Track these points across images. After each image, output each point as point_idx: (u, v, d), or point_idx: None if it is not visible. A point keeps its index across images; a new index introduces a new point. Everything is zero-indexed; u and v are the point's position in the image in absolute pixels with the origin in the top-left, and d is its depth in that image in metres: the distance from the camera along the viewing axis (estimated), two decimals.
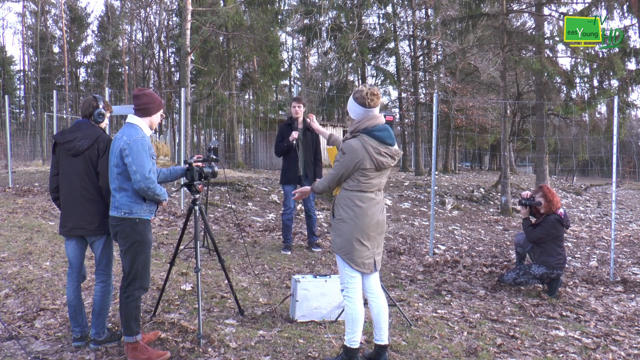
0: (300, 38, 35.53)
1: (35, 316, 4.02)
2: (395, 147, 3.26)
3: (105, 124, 3.58)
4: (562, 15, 12.72)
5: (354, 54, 20.17)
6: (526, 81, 19.23)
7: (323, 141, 4.72)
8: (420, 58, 25.98)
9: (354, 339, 3.22)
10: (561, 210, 5.25)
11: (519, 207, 5.51)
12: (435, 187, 9.85)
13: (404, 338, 3.85)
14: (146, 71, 36.31)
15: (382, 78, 26.51)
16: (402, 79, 26.13)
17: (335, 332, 3.90)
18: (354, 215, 3.19)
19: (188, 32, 15.65)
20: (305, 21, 22.73)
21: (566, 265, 6.36)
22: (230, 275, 5.02)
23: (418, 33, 23.92)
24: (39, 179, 12.72)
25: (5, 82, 38.93)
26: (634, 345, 3.95)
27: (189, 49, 15.93)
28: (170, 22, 30.99)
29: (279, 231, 7.73)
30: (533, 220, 5.42)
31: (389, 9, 23.87)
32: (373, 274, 3.34)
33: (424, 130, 26.40)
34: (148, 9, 33.37)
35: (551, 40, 13.23)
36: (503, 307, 4.83)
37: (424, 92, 27.30)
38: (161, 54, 33.74)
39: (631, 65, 11.88)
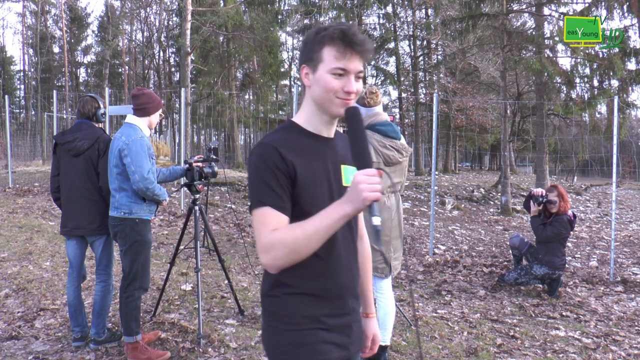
0: (300, 38, 35.51)
1: (35, 316, 4.02)
2: (402, 141, 3.20)
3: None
4: (562, 15, 12.72)
5: None
6: (526, 81, 19.22)
7: None
8: (420, 58, 25.97)
9: None
10: (570, 212, 5.25)
11: (529, 205, 5.32)
12: (435, 187, 9.84)
13: (404, 338, 3.85)
14: (146, 71, 36.31)
15: (382, 78, 26.51)
16: (402, 79, 26.12)
17: None
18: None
19: (188, 32, 15.63)
20: (305, 21, 22.74)
21: (566, 266, 6.37)
22: (230, 275, 5.01)
23: (418, 33, 23.92)
24: (39, 179, 12.71)
25: (5, 82, 38.93)
26: (634, 345, 3.95)
27: (189, 49, 15.91)
28: (170, 22, 31.00)
29: None
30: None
31: (389, 9, 23.88)
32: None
33: (424, 130, 26.37)
34: (148, 9, 33.39)
35: (551, 40, 13.23)
36: (503, 307, 4.83)
37: (424, 92, 27.29)
38: (161, 54, 33.75)
39: (631, 65, 11.91)
